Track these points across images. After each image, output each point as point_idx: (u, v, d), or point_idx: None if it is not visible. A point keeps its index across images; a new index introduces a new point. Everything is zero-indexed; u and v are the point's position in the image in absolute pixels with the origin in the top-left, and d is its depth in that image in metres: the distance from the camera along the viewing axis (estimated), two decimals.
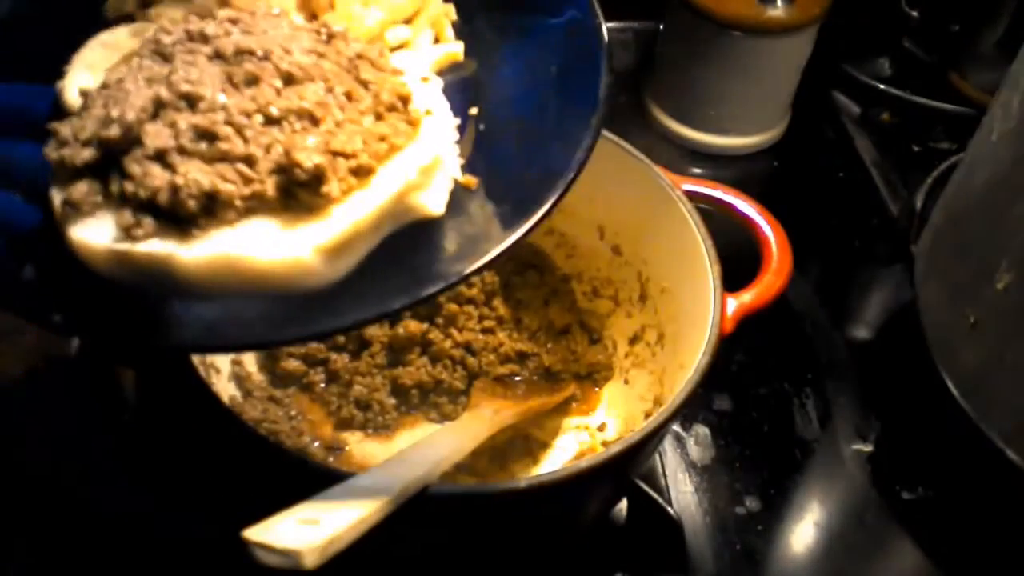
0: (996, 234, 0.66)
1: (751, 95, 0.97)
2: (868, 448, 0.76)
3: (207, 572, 0.62)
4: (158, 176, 0.36)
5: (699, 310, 0.61)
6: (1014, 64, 0.68)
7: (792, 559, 0.69)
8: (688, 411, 0.77)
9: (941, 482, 0.74)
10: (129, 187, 0.37)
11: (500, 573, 0.65)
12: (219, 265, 0.37)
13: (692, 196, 0.65)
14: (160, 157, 0.37)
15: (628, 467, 0.60)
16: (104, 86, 0.39)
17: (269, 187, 0.37)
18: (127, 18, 0.46)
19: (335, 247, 0.38)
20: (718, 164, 1.00)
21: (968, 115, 0.99)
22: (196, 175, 0.36)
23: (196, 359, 0.57)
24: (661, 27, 0.98)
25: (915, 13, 1.04)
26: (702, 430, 0.76)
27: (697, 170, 0.99)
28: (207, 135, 0.37)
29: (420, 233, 0.41)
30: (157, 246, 0.36)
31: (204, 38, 0.40)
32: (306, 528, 0.40)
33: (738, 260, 0.64)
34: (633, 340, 0.72)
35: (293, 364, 0.69)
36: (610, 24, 0.47)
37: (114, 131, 0.37)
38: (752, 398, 0.79)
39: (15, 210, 0.41)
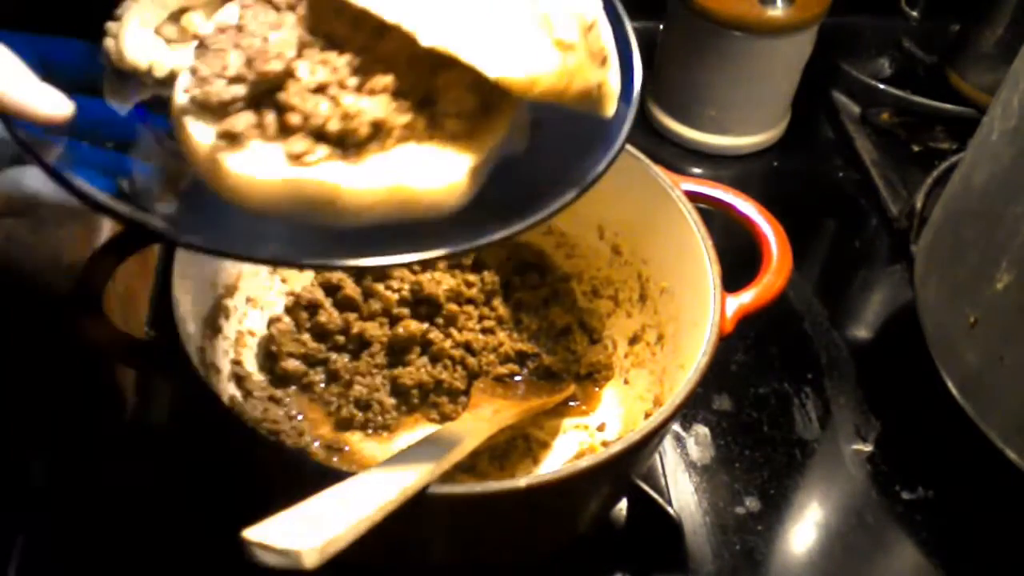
0: (996, 234, 0.66)
1: (751, 95, 0.97)
2: (868, 448, 0.76)
3: (207, 572, 0.62)
4: (326, 105, 0.39)
5: (699, 310, 0.61)
6: (1014, 64, 0.68)
7: (792, 559, 0.69)
8: (688, 411, 0.77)
9: (941, 482, 0.74)
10: (294, 118, 0.39)
11: (501, 573, 0.65)
12: (384, 191, 0.40)
13: (692, 196, 0.65)
14: (322, 90, 0.40)
15: (628, 467, 0.60)
16: (220, 30, 0.42)
17: (422, 118, 0.41)
18: None
19: (477, 168, 0.42)
20: (718, 164, 1.00)
21: (968, 115, 1.00)
22: (365, 106, 0.40)
23: (196, 359, 0.58)
24: (661, 27, 0.98)
25: (915, 13, 1.04)
26: (702, 430, 0.76)
27: (697, 170, 0.99)
28: (362, 70, 0.40)
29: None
30: (325, 172, 0.39)
31: None
32: (306, 528, 0.40)
33: (738, 260, 0.64)
34: (633, 340, 0.72)
35: (293, 364, 0.70)
36: None
37: (275, 66, 0.40)
38: (752, 398, 0.79)
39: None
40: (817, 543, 0.70)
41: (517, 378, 0.72)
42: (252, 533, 0.38)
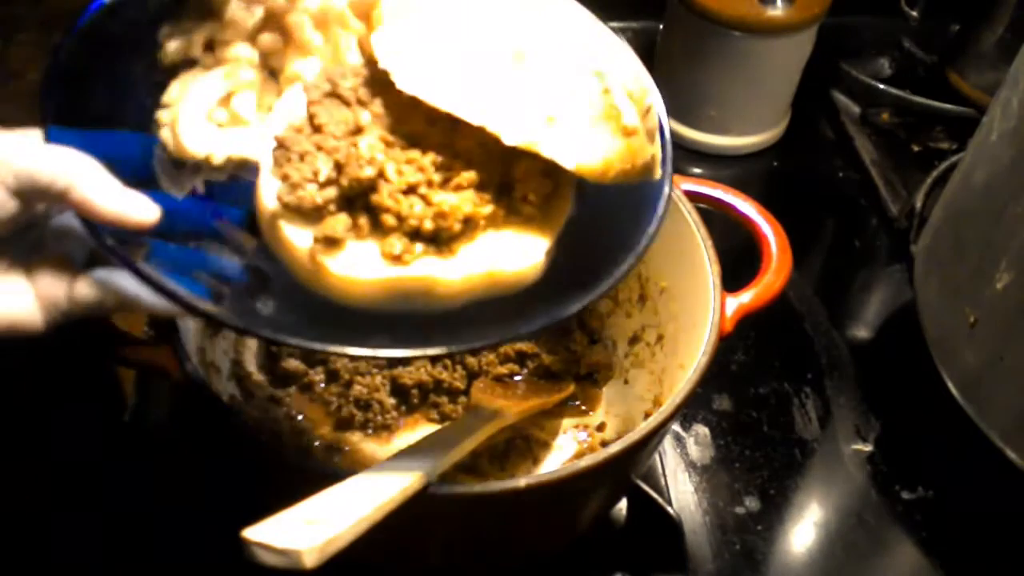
0: (995, 234, 0.66)
1: (751, 95, 0.97)
2: (868, 448, 0.76)
3: (208, 572, 0.62)
4: (419, 206, 0.41)
5: (699, 310, 0.61)
6: (1014, 64, 0.68)
7: (792, 559, 0.69)
8: (688, 411, 0.77)
9: (941, 482, 0.74)
10: (389, 219, 0.41)
11: (500, 573, 0.65)
12: (477, 278, 0.42)
13: (692, 196, 0.65)
14: (412, 190, 0.41)
15: (628, 467, 0.60)
16: (298, 130, 0.43)
17: (501, 207, 0.43)
18: (187, 63, 0.47)
19: (550, 250, 0.44)
20: (718, 164, 1.00)
21: (968, 115, 1.00)
22: (455, 202, 0.41)
23: (196, 359, 0.58)
24: (661, 27, 0.98)
25: (915, 13, 1.04)
26: (702, 430, 0.76)
27: (697, 170, 0.99)
28: (444, 166, 0.42)
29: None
30: (423, 269, 0.41)
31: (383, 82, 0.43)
32: (306, 528, 0.40)
33: (738, 260, 0.64)
34: (633, 340, 0.72)
35: (293, 364, 0.70)
36: (610, 24, 0.48)
37: (368, 172, 0.41)
38: (752, 398, 0.79)
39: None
40: (817, 543, 0.70)
41: (517, 378, 0.72)
42: (252, 533, 0.38)
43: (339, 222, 0.41)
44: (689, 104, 0.98)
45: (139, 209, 0.41)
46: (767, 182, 1.00)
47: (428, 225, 0.41)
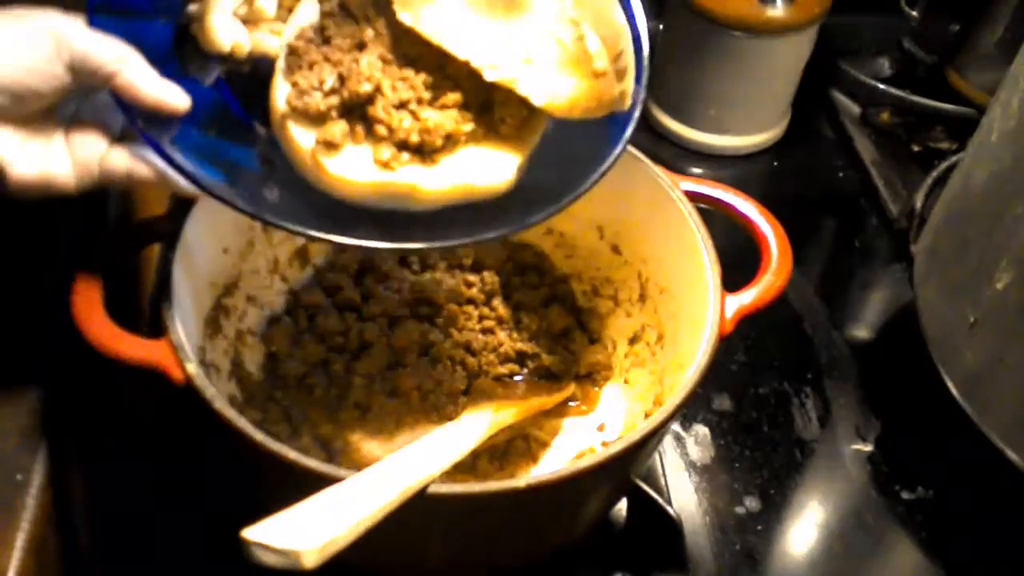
0: (995, 234, 0.66)
1: (751, 95, 0.97)
2: (868, 448, 0.76)
3: (208, 572, 0.62)
4: (408, 121, 0.47)
5: (699, 310, 0.61)
6: (1014, 64, 0.68)
7: (792, 559, 0.69)
8: (688, 411, 0.77)
9: (941, 482, 0.74)
10: (381, 129, 0.47)
11: (500, 573, 0.65)
12: (454, 188, 0.47)
13: (692, 196, 0.65)
14: (403, 105, 0.47)
15: (628, 467, 0.60)
16: (308, 40, 0.48)
17: (481, 125, 0.48)
18: None
19: (522, 165, 0.49)
20: (718, 164, 1.00)
21: (968, 115, 1.00)
22: (439, 120, 0.47)
23: (196, 359, 0.57)
24: (661, 27, 0.98)
25: (915, 13, 1.04)
26: (702, 430, 0.76)
27: (697, 170, 0.99)
28: (434, 86, 0.47)
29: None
30: (407, 175, 0.47)
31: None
32: (306, 528, 0.40)
33: (738, 260, 0.64)
34: (633, 340, 0.72)
35: (293, 365, 0.69)
36: None
37: (366, 87, 0.46)
38: (752, 398, 0.79)
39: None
40: (817, 543, 0.70)
41: (517, 378, 0.72)
42: (252, 533, 0.39)
43: (338, 127, 0.46)
44: (689, 104, 0.98)
45: (173, 97, 0.47)
46: (767, 182, 1.00)
47: (414, 138, 0.46)
